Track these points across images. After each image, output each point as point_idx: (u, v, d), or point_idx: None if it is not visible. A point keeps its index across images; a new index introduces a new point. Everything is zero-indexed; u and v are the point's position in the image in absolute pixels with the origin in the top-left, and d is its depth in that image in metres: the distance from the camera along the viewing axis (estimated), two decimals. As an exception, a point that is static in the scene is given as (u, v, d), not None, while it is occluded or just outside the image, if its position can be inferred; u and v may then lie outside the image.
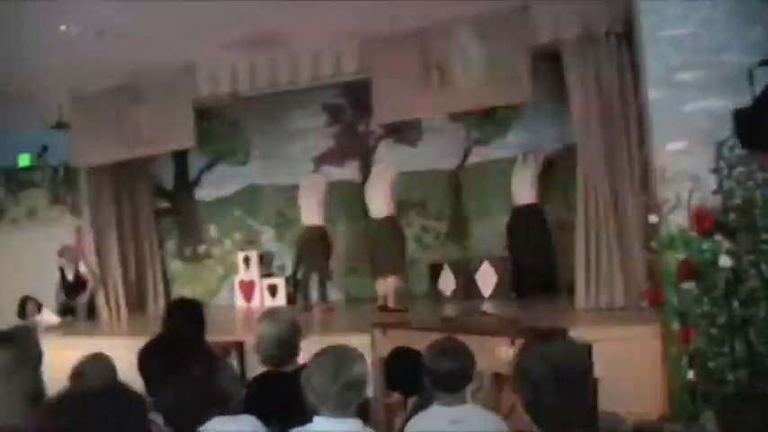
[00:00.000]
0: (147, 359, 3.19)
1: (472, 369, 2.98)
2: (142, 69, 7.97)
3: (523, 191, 8.25)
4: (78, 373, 3.30)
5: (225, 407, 2.95)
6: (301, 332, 3.54)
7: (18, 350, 3.30)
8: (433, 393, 2.99)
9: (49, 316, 8.41)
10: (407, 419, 3.17)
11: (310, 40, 7.58)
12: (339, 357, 2.70)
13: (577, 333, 5.07)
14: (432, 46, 7.29)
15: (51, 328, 8.22)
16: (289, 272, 9.65)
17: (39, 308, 8.31)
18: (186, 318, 3.87)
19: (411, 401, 3.48)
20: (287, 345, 3.40)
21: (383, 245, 7.95)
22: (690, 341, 4.77)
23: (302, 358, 3.32)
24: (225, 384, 2.99)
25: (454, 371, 2.92)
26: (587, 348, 4.40)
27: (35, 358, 3.44)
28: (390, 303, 7.79)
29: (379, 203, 8.02)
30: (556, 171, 8.29)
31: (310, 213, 8.56)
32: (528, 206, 8.20)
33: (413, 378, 3.23)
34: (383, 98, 7.61)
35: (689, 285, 4.77)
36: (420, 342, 3.40)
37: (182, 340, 3.51)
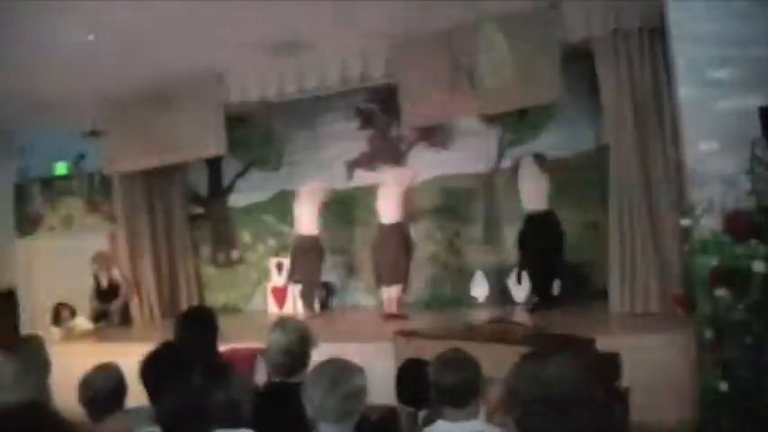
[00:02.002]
0: (148, 368, 3.15)
1: (478, 382, 2.85)
2: (171, 76, 8.00)
3: (535, 196, 7.70)
4: (85, 383, 3.26)
5: (233, 418, 2.89)
6: (312, 342, 3.47)
7: (26, 359, 3.31)
8: (440, 408, 2.89)
9: (82, 322, 8.50)
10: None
11: (337, 44, 7.50)
12: (337, 369, 2.68)
13: (608, 341, 4.93)
14: (460, 47, 7.17)
15: (86, 334, 8.35)
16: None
17: (72, 314, 8.40)
18: (195, 326, 3.82)
19: (421, 415, 3.37)
20: (295, 355, 3.34)
21: (389, 252, 7.85)
22: (723, 350, 4.57)
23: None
24: (231, 395, 2.92)
25: (458, 384, 2.80)
26: (602, 362, 4.27)
27: (42, 367, 3.45)
28: (394, 310, 7.75)
29: (388, 209, 7.94)
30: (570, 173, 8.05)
31: (304, 222, 8.65)
32: (542, 212, 7.61)
33: (422, 391, 3.12)
34: (411, 102, 7.53)
35: (722, 292, 4.57)
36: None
37: (186, 349, 3.45)
